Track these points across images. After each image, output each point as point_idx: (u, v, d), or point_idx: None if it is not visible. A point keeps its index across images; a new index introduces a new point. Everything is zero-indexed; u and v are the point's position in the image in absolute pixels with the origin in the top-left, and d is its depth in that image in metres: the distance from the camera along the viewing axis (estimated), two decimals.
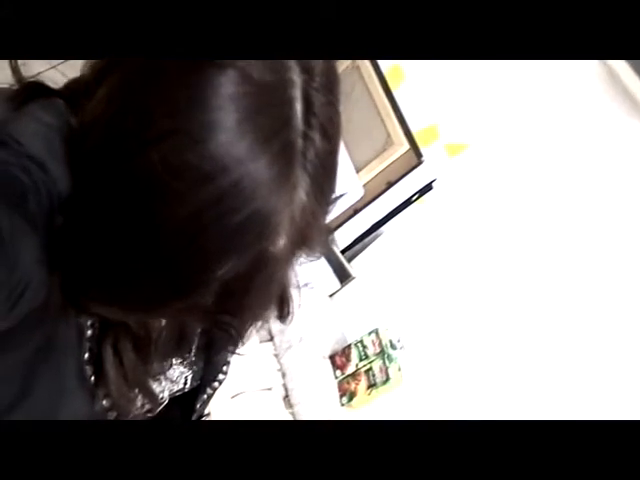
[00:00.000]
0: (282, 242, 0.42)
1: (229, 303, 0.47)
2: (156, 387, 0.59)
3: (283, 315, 0.61)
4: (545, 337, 1.74)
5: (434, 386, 1.88)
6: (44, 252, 0.40)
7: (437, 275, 2.01)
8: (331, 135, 0.42)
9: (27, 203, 0.39)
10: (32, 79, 0.48)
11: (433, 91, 2.04)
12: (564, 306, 1.73)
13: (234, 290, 0.44)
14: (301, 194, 0.40)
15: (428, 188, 2.11)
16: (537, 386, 1.70)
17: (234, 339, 0.64)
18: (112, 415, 0.52)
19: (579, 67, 1.78)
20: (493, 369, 1.79)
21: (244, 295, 0.46)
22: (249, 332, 0.63)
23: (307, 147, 0.40)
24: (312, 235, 0.44)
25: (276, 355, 2.05)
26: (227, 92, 0.37)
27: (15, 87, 0.48)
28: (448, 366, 1.88)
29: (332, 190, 0.45)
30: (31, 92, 0.47)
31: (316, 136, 0.40)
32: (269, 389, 1.96)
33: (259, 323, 0.62)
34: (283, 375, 2.02)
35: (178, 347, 0.59)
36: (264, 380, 1.96)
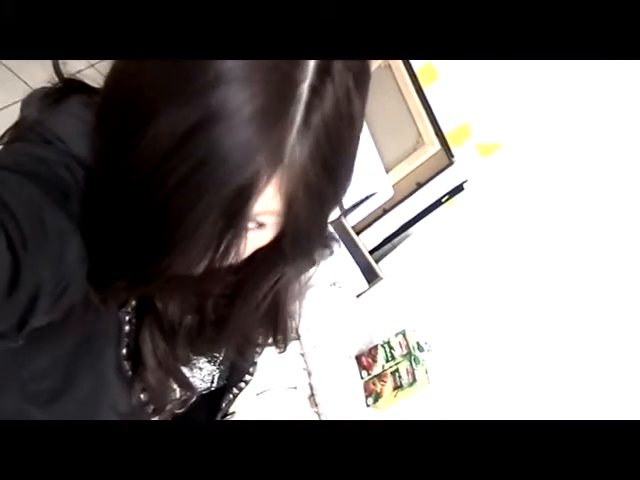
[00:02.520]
0: (267, 203, 0.39)
1: (218, 275, 0.45)
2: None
3: (276, 338, 0.60)
4: (576, 342, 1.70)
5: (461, 389, 1.85)
6: (84, 249, 0.41)
7: (466, 278, 1.99)
8: (345, 110, 0.39)
9: (70, 202, 0.40)
10: (71, 76, 0.49)
11: (466, 90, 2.01)
12: (594, 311, 1.69)
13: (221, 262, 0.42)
14: (295, 148, 0.37)
15: (459, 189, 2.08)
16: (567, 392, 1.66)
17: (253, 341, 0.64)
18: (149, 409, 0.54)
19: (623, 65, 1.72)
20: (522, 374, 1.76)
21: (231, 267, 0.44)
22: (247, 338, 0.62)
23: (313, 101, 0.37)
24: (303, 213, 0.41)
25: (302, 354, 2.05)
26: None
27: (55, 84, 0.48)
28: (475, 370, 1.85)
29: (341, 172, 0.42)
30: (71, 89, 0.48)
31: (327, 97, 0.38)
32: (294, 387, 1.97)
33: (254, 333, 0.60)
34: (309, 374, 2.02)
35: (200, 337, 0.58)
36: (290, 378, 1.96)
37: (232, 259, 0.42)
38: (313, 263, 0.55)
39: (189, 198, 0.37)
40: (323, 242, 0.52)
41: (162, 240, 0.39)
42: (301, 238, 0.45)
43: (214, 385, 0.64)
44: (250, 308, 0.54)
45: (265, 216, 0.41)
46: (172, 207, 0.37)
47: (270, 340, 0.61)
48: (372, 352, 2.03)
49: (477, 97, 1.99)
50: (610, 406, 1.57)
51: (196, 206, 0.37)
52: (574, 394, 1.65)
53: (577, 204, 1.79)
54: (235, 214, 0.38)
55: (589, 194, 1.77)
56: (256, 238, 0.43)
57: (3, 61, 2.04)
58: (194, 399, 0.62)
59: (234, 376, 0.66)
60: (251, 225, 0.42)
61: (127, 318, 0.49)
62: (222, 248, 0.40)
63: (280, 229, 0.44)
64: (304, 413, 1.90)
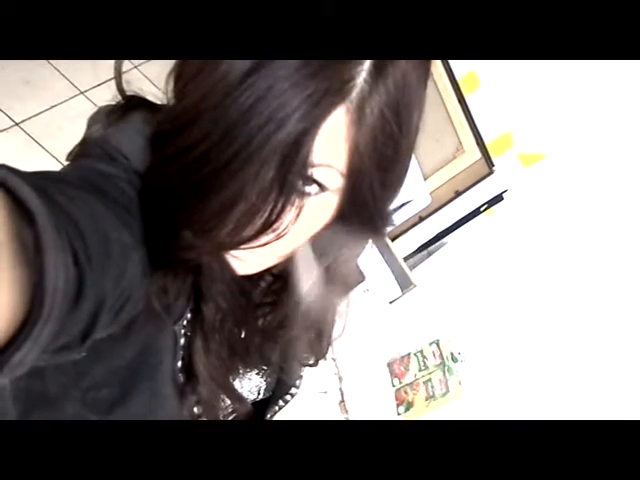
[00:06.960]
0: (329, 153, 0.38)
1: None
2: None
3: (321, 338, 0.58)
4: (615, 353, 1.65)
5: (494, 402, 1.82)
6: (146, 264, 0.42)
7: (502, 290, 1.95)
8: (414, 73, 0.40)
9: (132, 216, 0.41)
10: (133, 93, 0.51)
11: (509, 98, 1.97)
12: (634, 321, 1.64)
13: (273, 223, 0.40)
14: (364, 89, 0.37)
15: (498, 199, 2.05)
16: (607, 405, 1.62)
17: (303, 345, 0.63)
18: None
19: None
20: (558, 388, 1.72)
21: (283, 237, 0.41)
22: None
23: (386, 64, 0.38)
24: (368, 171, 0.40)
25: (334, 358, 2.05)
26: None
27: (118, 102, 0.50)
28: (510, 382, 1.82)
29: (408, 139, 0.42)
30: (133, 105, 0.49)
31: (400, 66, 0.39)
32: (325, 392, 1.97)
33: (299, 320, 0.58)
34: (340, 379, 2.02)
35: (249, 346, 0.58)
36: (321, 383, 1.96)
37: (287, 225, 0.41)
38: (365, 245, 0.53)
39: (249, 132, 0.36)
40: (387, 215, 0.48)
41: (224, 177, 0.38)
42: (364, 206, 0.44)
43: (259, 397, 0.65)
44: (298, 298, 0.53)
45: (327, 172, 0.40)
46: (231, 141, 0.37)
47: (314, 343, 0.61)
48: (405, 360, 2.01)
49: (520, 106, 1.95)
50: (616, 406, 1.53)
51: (255, 138, 0.36)
52: (616, 403, 1.61)
53: (621, 218, 1.74)
54: (297, 148, 0.37)
55: (634, 208, 1.72)
56: (316, 211, 0.42)
57: (50, 61, 2.11)
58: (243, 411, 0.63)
59: (281, 388, 0.67)
60: (312, 188, 0.41)
61: (182, 331, 0.50)
62: (280, 201, 0.39)
63: (341, 203, 0.43)
64: (334, 418, 1.90)
